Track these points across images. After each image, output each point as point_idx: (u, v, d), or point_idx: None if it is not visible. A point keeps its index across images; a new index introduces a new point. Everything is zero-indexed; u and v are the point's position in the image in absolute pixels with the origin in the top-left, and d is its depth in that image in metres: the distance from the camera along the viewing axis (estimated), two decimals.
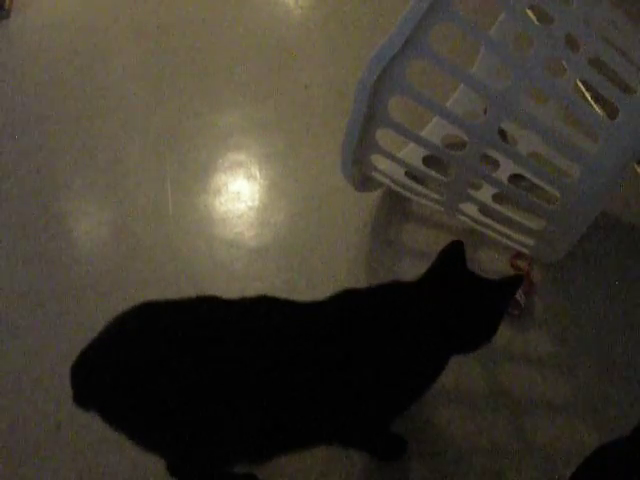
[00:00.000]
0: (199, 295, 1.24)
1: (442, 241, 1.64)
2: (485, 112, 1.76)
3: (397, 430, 1.41)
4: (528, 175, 1.70)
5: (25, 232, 1.89)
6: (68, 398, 1.53)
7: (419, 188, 1.60)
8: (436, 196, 1.58)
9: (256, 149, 2.11)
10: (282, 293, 1.66)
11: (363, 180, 1.72)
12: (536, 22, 1.55)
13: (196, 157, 2.09)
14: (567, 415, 1.47)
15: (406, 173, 1.73)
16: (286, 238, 1.84)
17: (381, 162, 1.61)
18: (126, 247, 1.85)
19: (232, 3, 2.66)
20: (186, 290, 1.67)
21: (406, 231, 1.82)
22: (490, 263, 1.74)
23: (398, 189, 1.71)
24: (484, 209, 1.54)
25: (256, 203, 1.94)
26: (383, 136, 1.49)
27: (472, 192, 1.52)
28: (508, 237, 1.60)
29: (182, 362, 1.09)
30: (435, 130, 1.97)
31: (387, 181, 1.70)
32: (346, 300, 1.25)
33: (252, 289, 1.66)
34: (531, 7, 1.58)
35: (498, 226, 1.61)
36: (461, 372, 1.53)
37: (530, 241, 1.58)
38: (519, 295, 1.61)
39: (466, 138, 1.39)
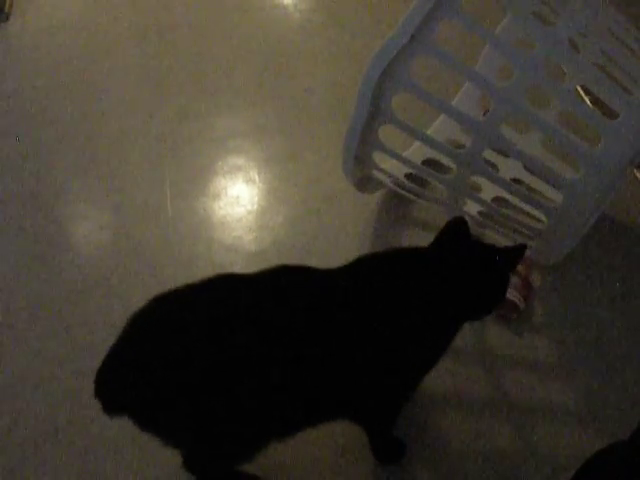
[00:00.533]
0: (212, 276, 1.22)
1: None
2: (484, 114, 1.77)
3: (397, 434, 1.41)
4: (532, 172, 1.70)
5: (24, 236, 1.88)
6: (67, 401, 1.54)
7: (419, 189, 1.60)
8: (436, 196, 1.58)
9: (255, 153, 2.11)
10: None
11: (363, 179, 1.72)
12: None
13: (195, 161, 2.09)
14: (566, 419, 1.47)
15: (406, 176, 1.73)
16: (285, 242, 1.83)
17: (382, 162, 1.61)
18: (125, 251, 1.84)
19: (231, 6, 2.67)
20: None
21: (406, 235, 1.83)
22: None
23: (398, 189, 1.71)
24: (486, 208, 1.54)
25: (255, 207, 1.94)
26: (385, 137, 1.48)
27: (474, 192, 1.52)
28: (509, 237, 1.60)
29: (205, 349, 1.08)
30: (437, 132, 1.98)
31: (388, 181, 1.70)
32: (361, 268, 1.28)
33: None
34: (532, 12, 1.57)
35: (499, 226, 1.61)
36: (460, 376, 1.53)
37: (531, 242, 1.57)
38: (518, 299, 1.61)
39: (469, 137, 1.39)
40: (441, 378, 1.50)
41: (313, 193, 1.96)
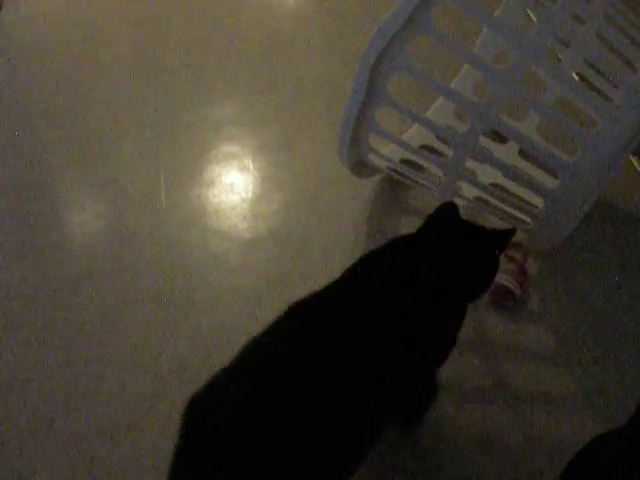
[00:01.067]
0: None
1: None
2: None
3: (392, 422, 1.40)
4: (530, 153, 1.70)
5: (19, 225, 1.87)
6: (61, 393, 1.53)
7: (415, 173, 1.59)
8: (432, 179, 1.57)
9: (250, 141, 2.10)
10: (276, 285, 1.67)
11: (359, 164, 1.71)
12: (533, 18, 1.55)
13: (190, 149, 2.08)
14: (564, 406, 1.47)
15: (402, 161, 1.73)
16: (280, 230, 1.82)
17: (378, 148, 1.60)
18: (120, 240, 1.83)
19: None
20: (179, 282, 1.69)
21: (402, 222, 1.81)
22: None
23: (394, 174, 1.70)
24: (482, 192, 1.53)
25: (250, 195, 1.93)
26: (381, 122, 1.48)
27: (470, 176, 1.52)
28: (505, 220, 1.59)
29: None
30: (434, 117, 1.98)
31: (383, 165, 1.69)
32: (367, 268, 1.26)
33: (244, 280, 1.67)
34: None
35: (495, 211, 1.60)
36: (457, 364, 1.52)
37: (528, 225, 1.57)
38: (513, 286, 1.61)
39: (464, 123, 1.39)
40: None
41: (308, 180, 1.95)
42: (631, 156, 1.93)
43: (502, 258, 1.68)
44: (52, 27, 2.58)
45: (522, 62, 1.31)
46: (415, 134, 1.97)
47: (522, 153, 1.86)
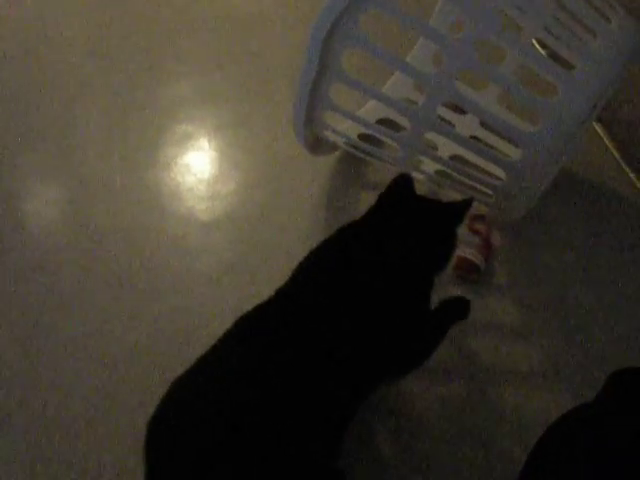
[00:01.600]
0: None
1: None
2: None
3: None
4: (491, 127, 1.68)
5: None
6: (18, 386, 1.50)
7: (374, 149, 1.56)
8: (392, 154, 1.55)
9: (205, 120, 2.06)
10: (235, 267, 1.64)
11: (316, 142, 1.68)
12: None
13: (144, 130, 2.03)
14: (531, 380, 1.46)
15: (360, 136, 1.70)
16: (238, 210, 1.79)
17: (336, 124, 1.57)
18: (74, 225, 1.79)
19: None
20: (137, 267, 1.65)
21: (362, 198, 1.79)
22: None
23: (352, 151, 1.67)
24: (443, 166, 1.51)
25: (206, 175, 1.89)
26: (336, 99, 1.45)
27: (430, 150, 1.50)
28: (468, 194, 1.57)
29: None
30: (389, 92, 1.95)
31: (341, 142, 1.66)
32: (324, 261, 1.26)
33: (204, 263, 1.64)
34: None
35: (458, 184, 1.58)
36: None
37: (490, 198, 1.55)
38: (478, 260, 1.59)
39: (423, 95, 1.37)
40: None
41: (265, 159, 1.92)
42: (595, 124, 1.91)
43: (466, 231, 1.67)
44: (2, 10, 2.52)
45: (477, 31, 1.28)
46: (374, 108, 1.94)
47: (484, 123, 1.84)
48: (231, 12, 2.42)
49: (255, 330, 1.15)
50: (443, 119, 1.83)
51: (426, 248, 1.24)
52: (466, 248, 1.61)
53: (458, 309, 1.38)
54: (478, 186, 1.58)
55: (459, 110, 1.88)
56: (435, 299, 1.57)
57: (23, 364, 1.53)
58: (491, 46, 1.44)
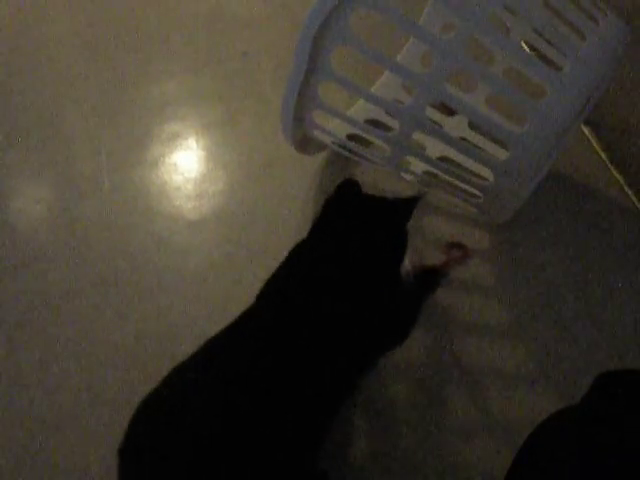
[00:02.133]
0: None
1: None
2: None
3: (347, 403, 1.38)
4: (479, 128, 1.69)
5: None
6: (4, 384, 1.50)
7: (362, 149, 1.56)
8: (380, 155, 1.54)
9: (193, 119, 2.05)
10: (222, 266, 1.64)
11: (304, 141, 1.68)
12: None
13: (131, 129, 2.02)
14: (518, 381, 1.46)
15: (349, 136, 1.70)
16: (225, 209, 1.78)
17: (324, 123, 1.57)
18: (61, 224, 1.78)
19: None
20: (123, 266, 1.65)
21: None
22: (434, 232, 1.71)
23: (341, 151, 1.67)
24: (431, 166, 1.50)
25: (194, 174, 1.88)
26: (324, 99, 1.44)
27: (418, 150, 1.50)
28: (455, 194, 1.57)
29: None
30: (378, 93, 1.95)
31: (329, 141, 1.65)
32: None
33: (191, 262, 1.64)
34: None
35: (445, 185, 1.58)
36: (409, 342, 1.50)
37: (478, 199, 1.55)
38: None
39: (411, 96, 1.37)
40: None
41: (253, 158, 1.91)
42: (583, 126, 1.91)
43: (451, 235, 1.68)
44: None
45: (466, 32, 1.28)
46: (362, 108, 1.94)
47: (472, 125, 1.84)
48: (220, 11, 2.41)
49: (225, 346, 1.15)
50: (431, 120, 1.83)
51: (378, 243, 1.26)
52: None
53: (427, 285, 1.40)
54: (466, 187, 1.58)
55: (447, 111, 1.88)
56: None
57: (8, 362, 1.52)
58: (479, 49, 1.45)
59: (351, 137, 1.69)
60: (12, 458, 1.39)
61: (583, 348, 1.50)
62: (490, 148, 1.76)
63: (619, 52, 1.34)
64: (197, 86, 2.16)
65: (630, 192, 1.76)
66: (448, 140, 1.41)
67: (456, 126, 1.85)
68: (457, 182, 1.58)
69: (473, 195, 1.56)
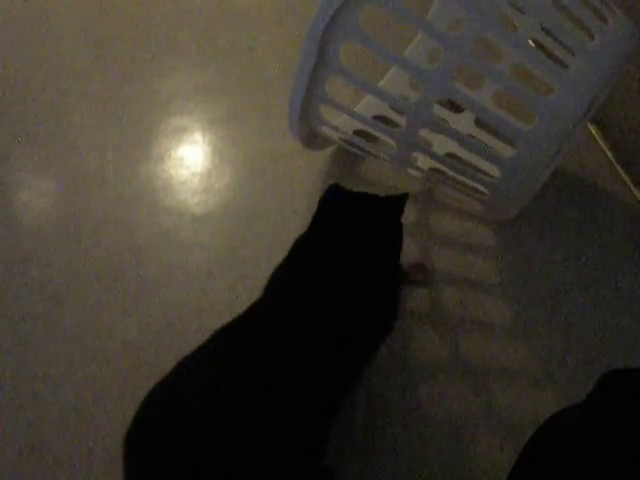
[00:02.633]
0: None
1: None
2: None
3: (349, 403, 1.38)
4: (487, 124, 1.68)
5: None
6: (8, 377, 1.49)
7: (369, 145, 1.56)
8: (387, 151, 1.54)
9: (199, 114, 2.05)
10: (227, 261, 1.63)
11: (311, 136, 1.67)
12: None
13: (138, 123, 2.02)
14: (523, 381, 1.45)
15: (355, 132, 1.70)
16: (231, 204, 1.78)
17: (331, 119, 1.57)
18: (67, 218, 1.78)
19: None
20: (128, 260, 1.65)
21: None
22: (439, 226, 1.70)
23: (347, 146, 1.67)
24: (438, 163, 1.50)
25: (200, 169, 1.88)
26: (334, 92, 1.44)
27: (425, 146, 1.50)
28: (462, 191, 1.57)
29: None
30: (387, 87, 1.95)
31: (336, 136, 1.65)
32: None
33: (196, 257, 1.64)
34: None
35: (451, 182, 1.57)
36: (413, 339, 1.50)
37: (484, 196, 1.54)
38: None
39: (418, 93, 1.36)
40: (393, 341, 1.48)
41: (259, 153, 1.90)
42: (589, 125, 1.91)
43: (457, 228, 1.68)
44: None
45: (475, 28, 1.27)
46: (369, 104, 1.94)
47: (478, 122, 1.84)
48: (227, 6, 2.40)
49: (232, 339, 1.14)
50: (438, 117, 1.83)
51: (377, 236, 1.29)
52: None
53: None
54: (473, 184, 1.58)
55: (454, 108, 1.88)
56: (426, 296, 1.58)
57: (13, 355, 1.52)
58: (486, 46, 1.44)
59: (358, 133, 1.69)
60: (16, 451, 1.39)
61: (587, 346, 1.49)
62: (496, 145, 1.76)
63: (627, 51, 1.34)
64: (203, 81, 2.16)
65: (636, 191, 1.76)
66: (455, 136, 1.40)
67: (462, 123, 1.84)
68: (463, 179, 1.58)
69: (479, 192, 1.56)
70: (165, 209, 1.78)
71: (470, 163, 1.70)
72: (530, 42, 1.69)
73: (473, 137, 1.79)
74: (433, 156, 1.47)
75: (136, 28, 2.35)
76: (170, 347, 1.50)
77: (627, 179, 1.79)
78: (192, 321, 1.55)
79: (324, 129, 1.60)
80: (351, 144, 1.66)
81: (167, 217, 1.76)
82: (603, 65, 1.31)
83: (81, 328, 1.56)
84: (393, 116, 1.88)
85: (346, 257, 1.23)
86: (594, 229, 1.70)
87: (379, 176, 1.79)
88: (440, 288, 1.60)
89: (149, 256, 1.68)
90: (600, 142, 1.89)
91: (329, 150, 1.87)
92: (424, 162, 1.65)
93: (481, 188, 1.56)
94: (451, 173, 1.59)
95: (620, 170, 1.81)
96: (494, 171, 1.62)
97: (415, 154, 1.55)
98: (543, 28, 1.45)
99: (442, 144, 1.75)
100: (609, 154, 1.85)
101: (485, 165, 1.67)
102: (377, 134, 1.76)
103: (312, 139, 1.70)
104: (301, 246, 1.31)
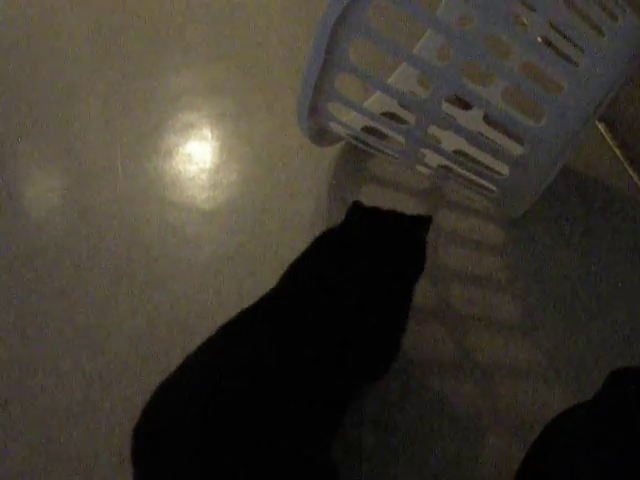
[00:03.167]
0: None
1: (401, 202, 1.63)
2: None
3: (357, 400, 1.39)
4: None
5: None
6: (15, 373, 1.49)
7: (377, 141, 1.56)
8: (395, 147, 1.54)
9: (208, 110, 2.05)
10: (235, 256, 1.63)
11: (319, 132, 1.67)
12: None
13: (146, 119, 2.02)
14: (531, 378, 1.45)
15: (364, 129, 1.70)
16: (239, 200, 1.78)
17: (340, 115, 1.57)
18: (75, 213, 1.78)
19: None
20: (136, 255, 1.65)
21: (364, 192, 1.78)
22: (447, 224, 1.70)
23: (356, 143, 1.67)
24: (446, 159, 1.50)
25: (208, 165, 1.88)
26: (342, 89, 1.44)
27: (434, 143, 1.49)
28: (470, 188, 1.56)
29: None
30: (396, 84, 1.95)
31: (345, 133, 1.65)
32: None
33: (204, 253, 1.64)
34: None
35: (460, 179, 1.57)
36: (422, 335, 1.50)
37: (493, 193, 1.54)
38: None
39: (427, 89, 1.36)
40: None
41: (267, 149, 1.90)
42: (598, 123, 1.91)
43: (467, 225, 1.67)
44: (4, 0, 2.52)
45: (485, 25, 1.27)
46: (377, 101, 1.93)
47: (487, 120, 1.84)
48: (236, 2, 2.40)
49: (242, 331, 1.15)
50: (446, 114, 1.83)
51: (403, 258, 1.29)
52: None
53: None
54: (481, 181, 1.57)
55: (462, 105, 1.88)
56: (434, 293, 1.58)
57: (21, 351, 1.52)
58: (494, 44, 1.44)
59: (366, 129, 1.69)
60: (23, 446, 1.39)
61: (596, 344, 1.49)
62: (505, 143, 1.76)
63: (637, 49, 1.34)
64: (212, 77, 2.15)
65: None
66: (464, 133, 1.40)
67: (471, 120, 1.84)
68: (472, 176, 1.58)
69: (487, 189, 1.56)
70: (173, 205, 1.78)
71: (478, 160, 1.70)
72: (539, 39, 1.69)
73: (481, 134, 1.79)
74: (442, 153, 1.46)
75: (144, 24, 2.35)
76: (178, 343, 1.50)
77: (636, 177, 1.79)
78: (200, 317, 1.55)
79: (333, 125, 1.60)
80: (360, 141, 1.66)
81: (175, 213, 1.76)
82: (613, 63, 1.31)
83: (89, 323, 1.56)
84: (401, 113, 1.88)
85: (366, 264, 1.23)
86: (602, 227, 1.69)
87: (387, 173, 1.79)
88: (448, 284, 1.59)
89: (157, 251, 1.68)
90: (609, 140, 1.88)
91: (337, 146, 1.87)
92: (433, 159, 1.65)
93: (489, 185, 1.56)
94: (459, 170, 1.59)
95: (629, 168, 1.81)
96: (502, 168, 1.62)
97: (423, 151, 1.55)
98: (552, 25, 1.45)
99: (450, 141, 1.75)
100: (618, 152, 1.85)
101: (493, 162, 1.68)
102: (386, 131, 1.76)
103: (321, 136, 1.70)
104: (324, 244, 1.32)
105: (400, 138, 1.60)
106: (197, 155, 1.91)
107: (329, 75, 1.40)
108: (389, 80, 1.99)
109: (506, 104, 1.83)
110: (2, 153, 1.95)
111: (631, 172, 1.80)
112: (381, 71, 1.98)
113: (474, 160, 1.70)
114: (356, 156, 1.83)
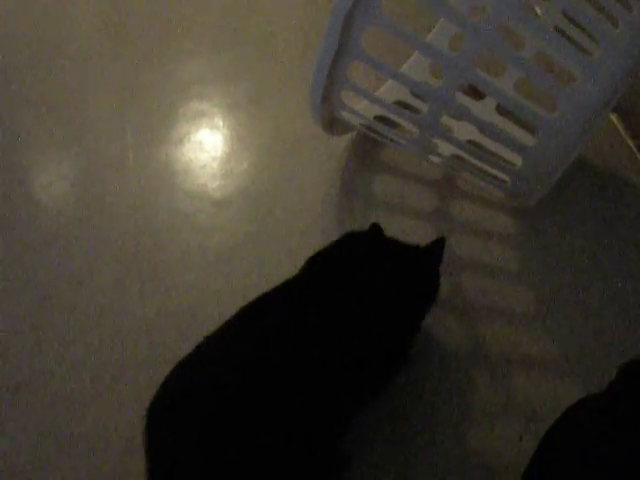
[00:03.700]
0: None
1: (412, 192, 1.62)
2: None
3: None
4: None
5: None
6: (27, 359, 1.50)
7: (390, 130, 1.55)
8: (407, 136, 1.53)
9: (219, 98, 2.05)
10: (246, 245, 1.63)
11: (331, 121, 1.67)
12: None
13: (157, 107, 2.02)
14: (542, 368, 1.44)
15: (376, 118, 1.69)
16: (250, 189, 1.78)
17: (351, 103, 1.56)
18: (86, 201, 1.79)
19: None
20: (147, 243, 1.65)
21: (376, 181, 1.77)
22: (459, 214, 1.70)
23: (367, 132, 1.66)
24: (459, 149, 1.49)
25: (219, 153, 1.88)
26: (354, 78, 1.44)
27: (447, 132, 1.49)
28: (482, 178, 1.56)
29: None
30: (408, 73, 1.94)
31: (357, 122, 1.65)
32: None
33: (215, 241, 1.63)
34: None
35: (472, 169, 1.57)
36: (435, 327, 1.50)
37: (506, 183, 1.54)
38: None
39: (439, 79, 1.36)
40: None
41: (279, 138, 1.90)
42: (611, 113, 1.90)
43: (480, 215, 1.67)
44: None
45: (499, 13, 1.26)
46: (389, 91, 1.93)
47: (500, 110, 1.83)
48: None
49: (259, 318, 1.15)
50: (459, 104, 1.83)
51: (413, 288, 1.28)
52: None
53: None
54: (494, 171, 1.57)
55: (475, 95, 1.87)
56: (447, 284, 1.58)
57: (32, 337, 1.53)
58: (508, 34, 1.43)
59: (378, 119, 1.68)
60: (33, 433, 1.40)
61: (608, 335, 1.48)
62: (518, 133, 1.75)
63: None
64: (223, 65, 2.15)
65: None
66: (477, 123, 1.40)
67: (484, 110, 1.83)
68: (484, 166, 1.57)
69: (500, 179, 1.56)
70: (184, 193, 1.78)
71: (491, 150, 1.70)
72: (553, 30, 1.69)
73: (494, 124, 1.79)
74: (455, 143, 1.46)
75: (155, 12, 2.35)
76: (188, 330, 1.50)
77: None
78: (210, 304, 1.55)
79: (345, 114, 1.60)
80: (372, 130, 1.65)
81: (186, 201, 1.76)
82: (627, 53, 1.30)
83: (99, 310, 1.56)
84: (414, 102, 1.87)
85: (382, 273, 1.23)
86: (615, 218, 1.69)
87: (398, 163, 1.79)
88: (460, 275, 1.59)
89: (167, 239, 1.68)
90: (621, 131, 1.87)
91: (348, 136, 1.86)
92: (445, 149, 1.65)
93: (502, 175, 1.55)
94: (472, 160, 1.58)
95: None
96: (515, 159, 1.61)
97: (436, 140, 1.55)
98: (566, 15, 1.45)
99: (463, 131, 1.74)
100: (630, 142, 1.84)
101: (506, 153, 1.67)
102: (398, 120, 1.75)
103: (333, 125, 1.69)
104: (355, 240, 1.32)
105: (413, 127, 1.59)
106: (208, 143, 1.91)
107: (342, 64, 1.39)
108: (402, 68, 1.99)
109: (520, 94, 1.82)
110: (13, 141, 1.96)
111: None
112: (392, 61, 1.97)
113: (487, 150, 1.70)
114: (367, 146, 1.83)
